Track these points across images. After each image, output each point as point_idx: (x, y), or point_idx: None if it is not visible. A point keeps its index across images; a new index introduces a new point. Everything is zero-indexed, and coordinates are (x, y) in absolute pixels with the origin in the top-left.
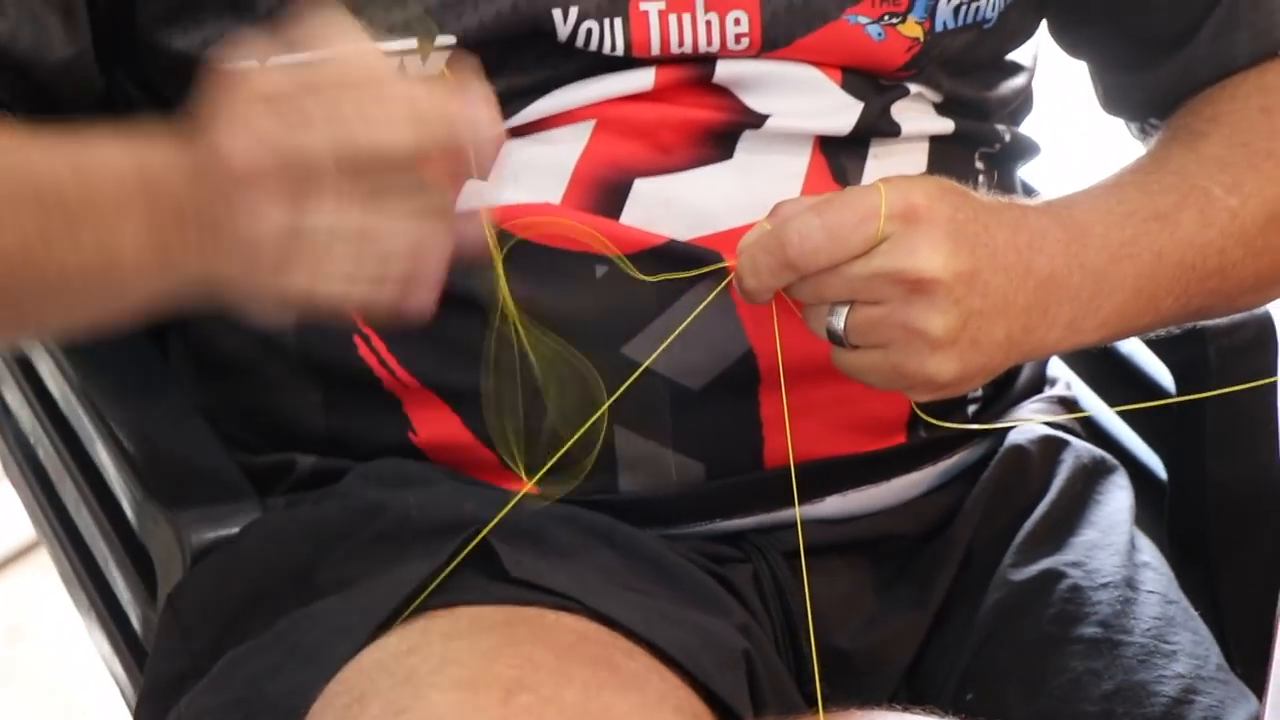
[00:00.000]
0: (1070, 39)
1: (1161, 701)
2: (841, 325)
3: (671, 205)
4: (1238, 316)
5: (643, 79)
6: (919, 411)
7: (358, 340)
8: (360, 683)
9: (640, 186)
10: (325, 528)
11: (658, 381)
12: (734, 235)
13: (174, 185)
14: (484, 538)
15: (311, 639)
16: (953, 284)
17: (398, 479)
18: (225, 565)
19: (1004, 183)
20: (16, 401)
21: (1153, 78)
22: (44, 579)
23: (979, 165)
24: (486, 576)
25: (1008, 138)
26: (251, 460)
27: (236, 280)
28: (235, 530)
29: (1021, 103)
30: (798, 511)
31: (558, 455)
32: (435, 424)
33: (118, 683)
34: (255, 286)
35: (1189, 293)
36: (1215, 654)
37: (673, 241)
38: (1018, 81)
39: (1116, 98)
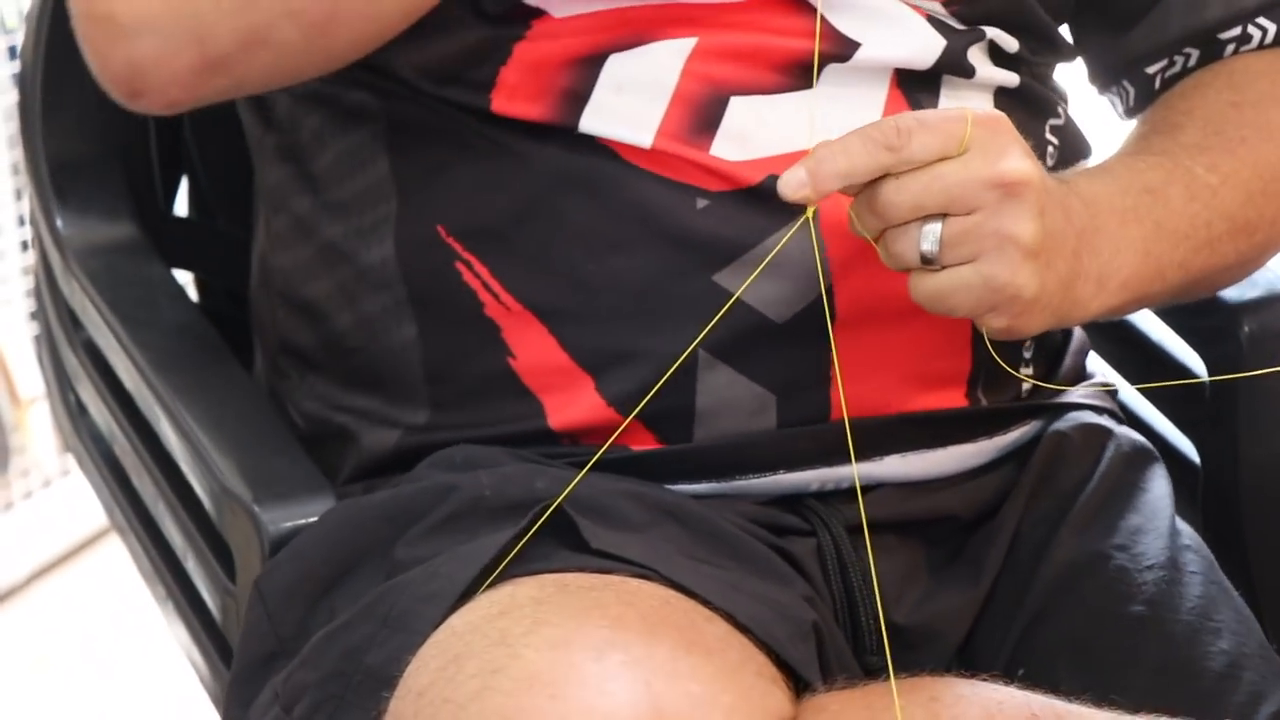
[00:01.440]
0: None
1: (1209, 676)
2: (936, 241)
3: (764, 125)
4: (1266, 300)
5: None
6: (989, 348)
7: (459, 267)
8: (454, 645)
9: (736, 104)
10: (401, 509)
11: (743, 310)
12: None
13: None
14: (563, 512)
15: (400, 608)
16: (1041, 190)
17: (468, 463)
18: (307, 549)
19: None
20: (92, 399)
21: (1131, 36)
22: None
23: (1050, 138)
24: (566, 548)
25: (1068, 111)
26: (330, 419)
27: None
28: (312, 519)
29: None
30: (854, 471)
31: (645, 400)
32: (533, 348)
33: (197, 670)
34: None
35: (1188, 265)
36: (1258, 632)
37: (769, 178)
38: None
39: (1098, 64)
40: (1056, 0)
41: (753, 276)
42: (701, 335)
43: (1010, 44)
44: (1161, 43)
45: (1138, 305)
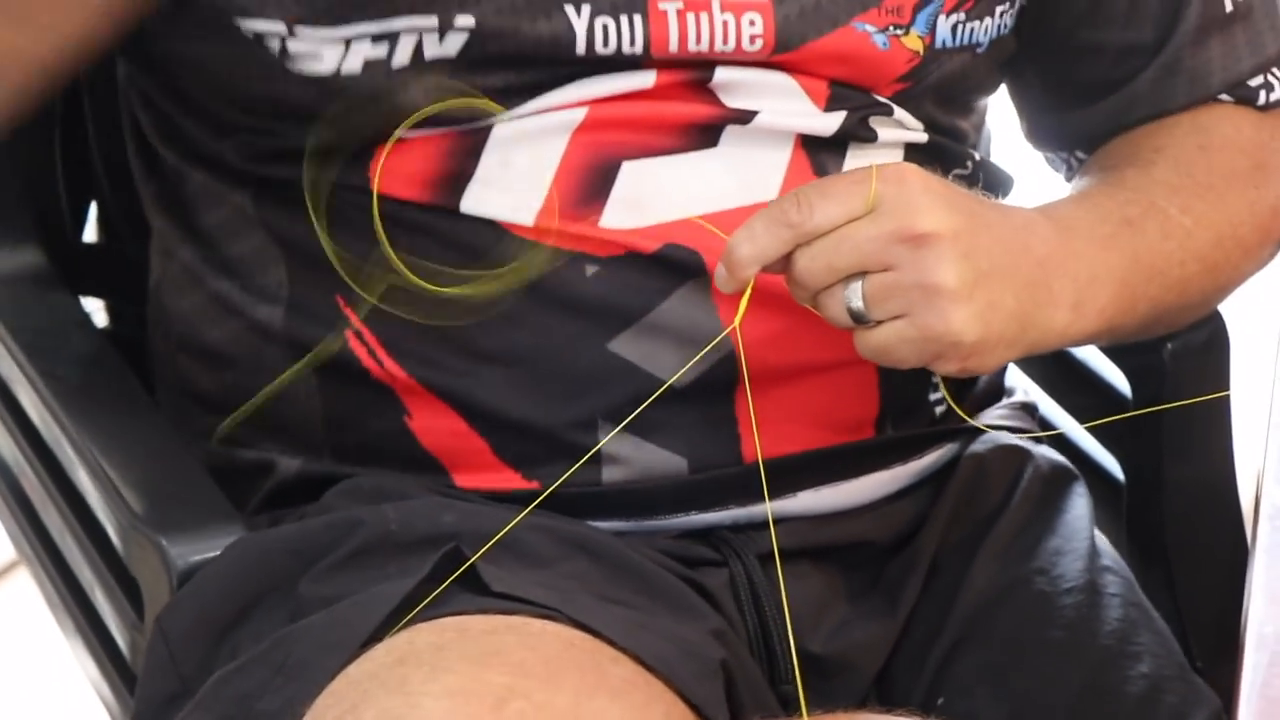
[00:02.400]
0: (1019, 75)
1: (1129, 700)
2: (860, 300)
3: (658, 187)
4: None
5: (644, 79)
6: (947, 395)
7: (349, 335)
8: (352, 694)
9: (628, 168)
10: (307, 544)
11: (642, 378)
12: (716, 219)
13: None
14: (462, 553)
15: (297, 655)
16: (954, 238)
17: (376, 494)
18: (211, 586)
19: None
20: None
21: (1089, 115)
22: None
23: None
24: (467, 590)
25: (977, 156)
26: (235, 455)
27: None
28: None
29: (982, 133)
30: (769, 507)
31: (570, 472)
32: (429, 413)
33: (106, 705)
34: None
35: (1158, 300)
36: (1177, 654)
37: (665, 246)
38: (982, 107)
39: (1046, 132)
40: (976, 93)
41: (689, 365)
42: (617, 428)
43: (915, 124)
44: (1123, 125)
45: (1111, 336)
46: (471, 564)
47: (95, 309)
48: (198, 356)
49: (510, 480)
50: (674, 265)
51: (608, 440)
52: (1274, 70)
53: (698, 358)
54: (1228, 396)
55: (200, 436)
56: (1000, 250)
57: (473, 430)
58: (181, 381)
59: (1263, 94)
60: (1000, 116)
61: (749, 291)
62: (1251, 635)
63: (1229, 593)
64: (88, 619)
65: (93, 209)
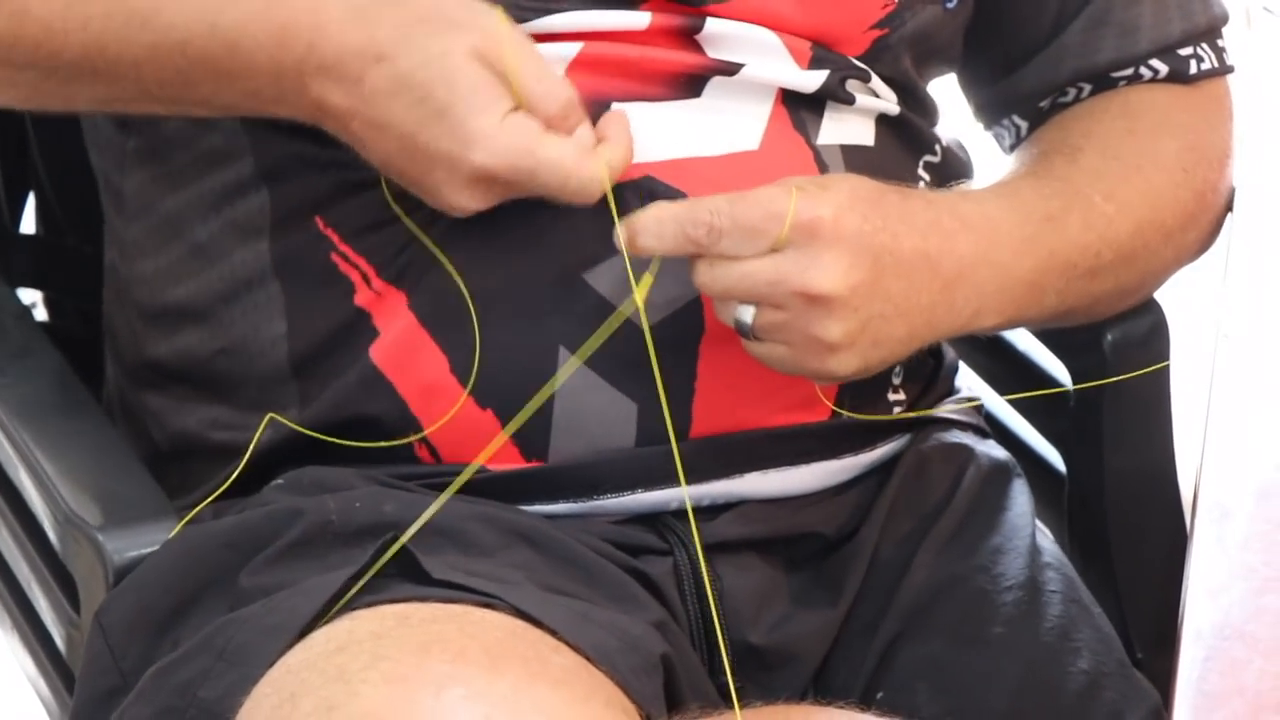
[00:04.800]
0: (965, 44)
1: (1068, 696)
2: (749, 320)
3: (643, 130)
4: (1131, 313)
5: (639, 19)
6: (843, 412)
7: (335, 258)
8: (289, 682)
9: (617, 109)
10: (247, 536)
11: (609, 311)
12: (697, 164)
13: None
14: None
15: (238, 642)
16: (849, 297)
17: (316, 485)
18: (149, 580)
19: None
20: None
21: (1024, 75)
22: None
23: (923, 174)
24: (409, 579)
25: (945, 141)
26: (207, 436)
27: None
28: (156, 547)
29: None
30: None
31: (508, 431)
32: (398, 334)
33: (43, 702)
34: None
35: (1065, 291)
36: (1118, 649)
37: (646, 179)
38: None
39: (986, 102)
40: (942, 57)
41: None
42: (566, 370)
43: (889, 95)
44: (1054, 82)
45: (1008, 327)
46: (404, 546)
47: (34, 302)
48: (164, 319)
49: (468, 411)
50: (655, 200)
51: (568, 373)
52: (1204, 44)
53: (604, 329)
54: (1168, 387)
55: (162, 410)
56: (903, 286)
57: (437, 347)
58: (142, 351)
59: (1193, 64)
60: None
61: (655, 270)
62: (1188, 630)
63: (1169, 584)
64: (24, 615)
65: (30, 200)
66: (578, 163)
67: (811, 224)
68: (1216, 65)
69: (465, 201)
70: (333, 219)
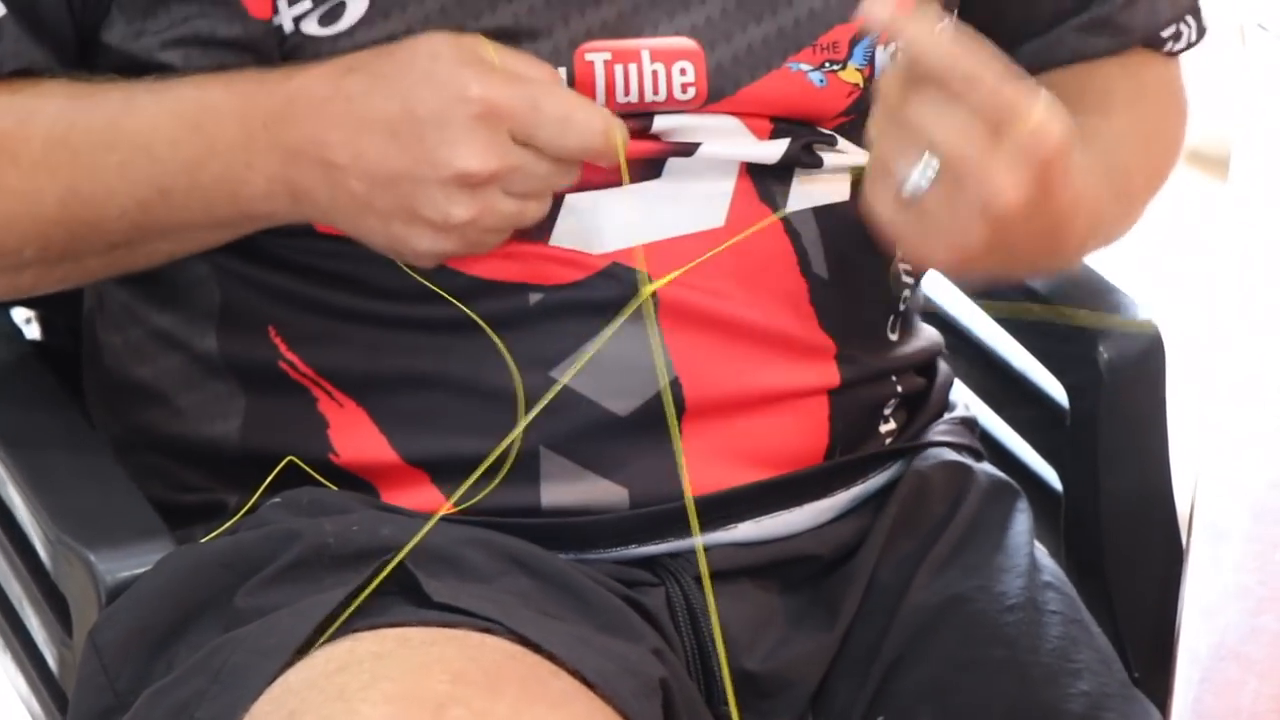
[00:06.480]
0: None
1: (1069, 718)
2: (931, 177)
3: (600, 220)
4: (1128, 332)
5: None
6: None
7: (283, 367)
8: (289, 701)
9: (570, 201)
10: (242, 557)
11: (585, 405)
12: (662, 247)
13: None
14: (403, 566)
15: (233, 663)
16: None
17: (314, 507)
18: (144, 599)
19: None
20: None
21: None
22: None
23: None
24: (408, 601)
25: None
26: (178, 499)
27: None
28: (149, 567)
29: None
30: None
31: (477, 474)
32: (362, 445)
33: None
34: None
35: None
36: (1118, 670)
37: (611, 266)
38: None
39: None
40: None
41: (582, 363)
42: (514, 433)
43: (860, 151)
44: (1044, 67)
45: (1093, 250)
46: (407, 568)
47: (26, 320)
48: (128, 390)
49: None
50: (619, 292)
51: (511, 444)
52: (1187, 17)
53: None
54: (1164, 405)
55: (136, 469)
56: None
57: (407, 459)
58: (116, 411)
59: (1170, 43)
60: None
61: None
62: (1184, 651)
63: (1165, 604)
64: (17, 635)
65: None
66: (581, 101)
67: (1037, 137)
68: (1196, 38)
69: (456, 192)
70: (283, 333)
